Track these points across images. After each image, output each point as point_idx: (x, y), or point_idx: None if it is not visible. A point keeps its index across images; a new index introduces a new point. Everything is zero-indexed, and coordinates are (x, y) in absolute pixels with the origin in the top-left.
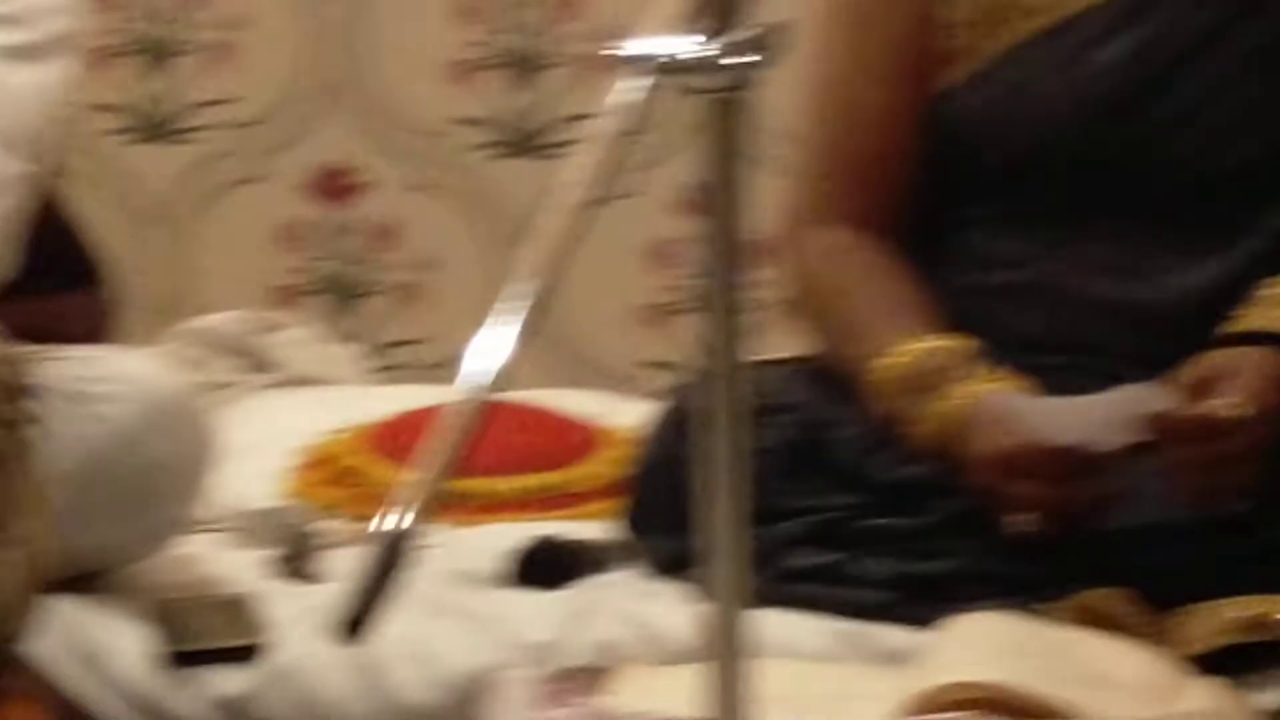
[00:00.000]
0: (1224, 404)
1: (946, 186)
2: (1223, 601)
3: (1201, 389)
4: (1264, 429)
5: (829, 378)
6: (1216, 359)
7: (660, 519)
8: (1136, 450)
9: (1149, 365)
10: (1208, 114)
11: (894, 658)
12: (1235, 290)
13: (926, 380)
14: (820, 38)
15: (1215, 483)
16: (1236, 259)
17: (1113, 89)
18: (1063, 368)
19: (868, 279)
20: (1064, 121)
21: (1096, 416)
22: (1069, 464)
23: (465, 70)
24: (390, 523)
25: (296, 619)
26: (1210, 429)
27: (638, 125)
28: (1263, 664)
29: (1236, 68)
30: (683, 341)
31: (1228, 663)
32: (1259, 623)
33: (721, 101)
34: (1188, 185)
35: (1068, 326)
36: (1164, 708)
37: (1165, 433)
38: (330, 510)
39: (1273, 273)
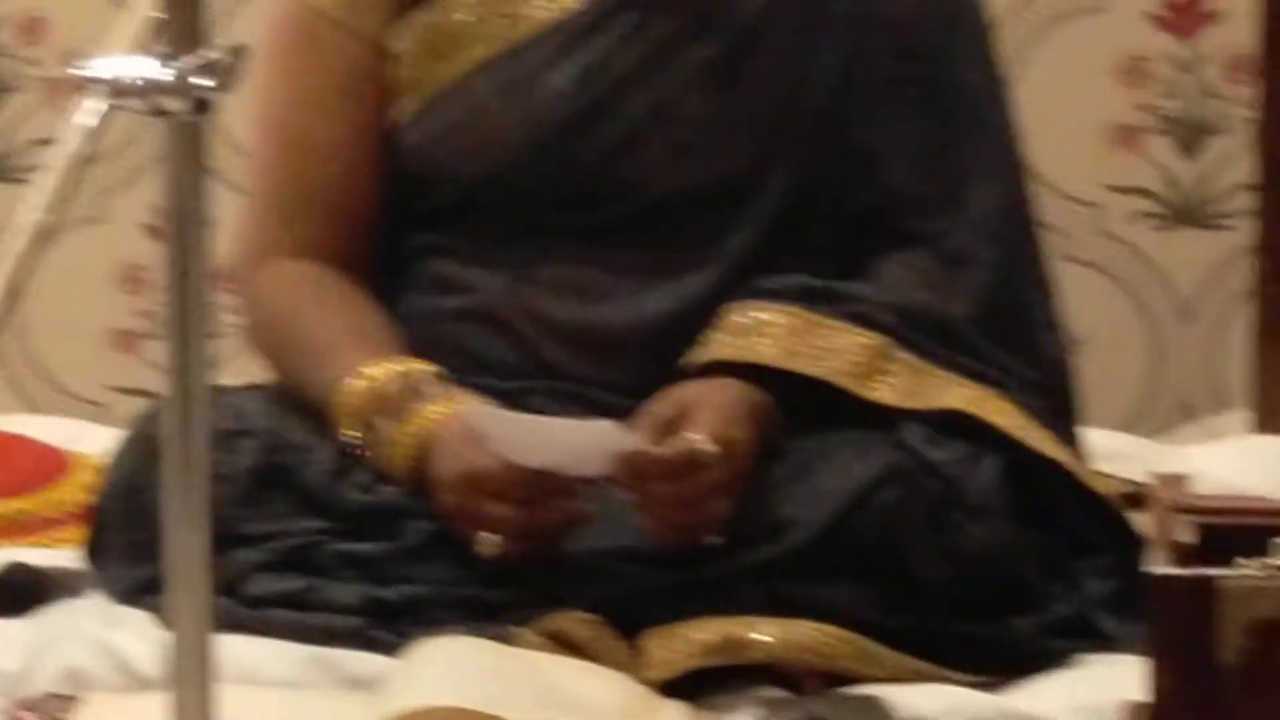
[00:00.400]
0: (693, 440)
1: (406, 215)
2: (690, 624)
3: (671, 424)
4: (735, 462)
5: (295, 403)
6: (684, 392)
7: (123, 546)
8: (608, 481)
9: (617, 389)
10: (657, 135)
11: (363, 683)
12: (701, 314)
13: (392, 403)
14: (267, 68)
15: (689, 518)
16: (700, 282)
17: (562, 114)
18: (530, 392)
19: (325, 307)
20: (515, 149)
21: (568, 444)
22: (538, 487)
23: None
24: None
25: None
26: (681, 466)
27: (98, 148)
28: (732, 686)
29: (684, 87)
30: (153, 367)
31: (698, 686)
32: (727, 645)
33: (183, 125)
34: (645, 207)
35: (532, 351)
36: None
37: (637, 471)
38: None
39: (737, 296)
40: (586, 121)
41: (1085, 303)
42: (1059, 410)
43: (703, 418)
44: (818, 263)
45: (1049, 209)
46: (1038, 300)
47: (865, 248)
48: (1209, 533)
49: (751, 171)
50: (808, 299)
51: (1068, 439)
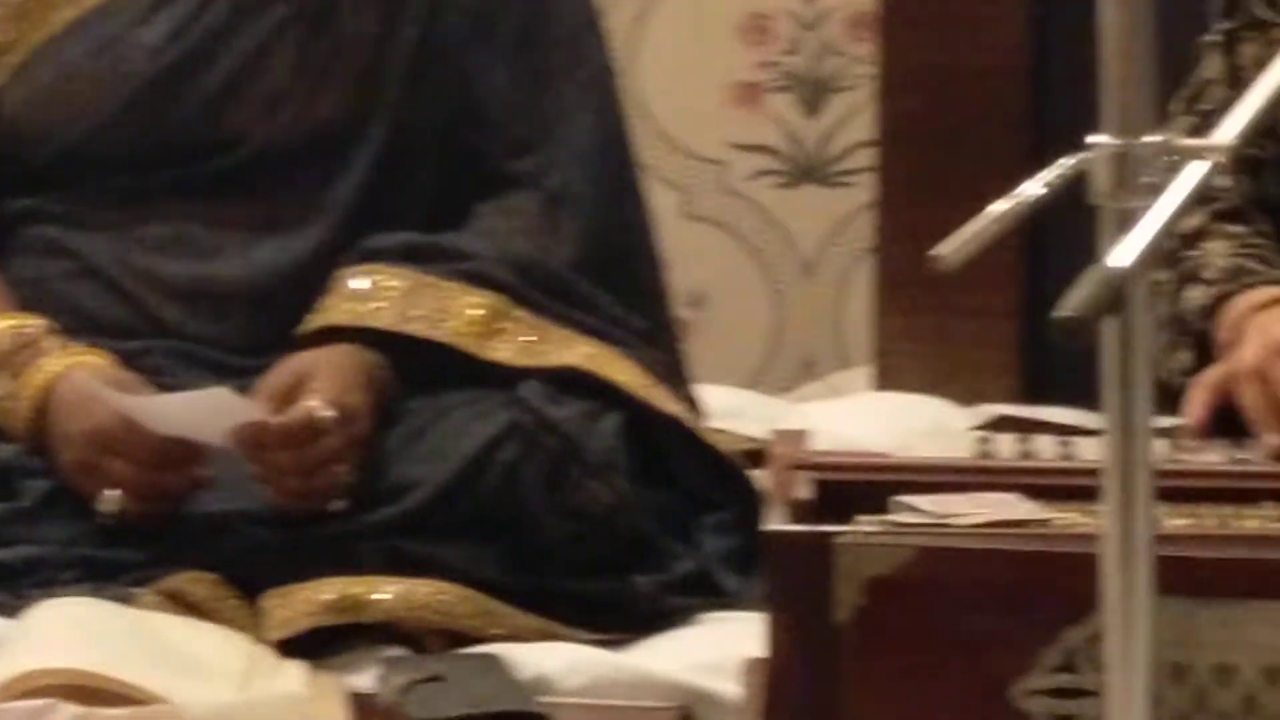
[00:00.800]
0: (311, 407)
1: (7, 180)
2: (310, 584)
3: (289, 392)
4: (353, 427)
5: None
6: (300, 361)
7: None
8: (230, 448)
9: (232, 347)
10: (251, 86)
11: None
12: (313, 267)
13: (8, 359)
14: None
15: (311, 485)
16: (309, 235)
17: (155, 70)
18: (147, 352)
19: None
20: (109, 108)
21: (188, 413)
22: (161, 448)
23: None
24: None
25: None
26: (299, 434)
27: None
28: (354, 646)
29: (275, 38)
30: None
31: (319, 645)
32: (346, 604)
33: None
34: (247, 160)
35: (145, 310)
36: (254, 691)
37: (257, 441)
38: None
39: (348, 249)
40: (179, 77)
41: (709, 260)
42: (672, 362)
43: (319, 385)
44: (428, 211)
45: (672, 167)
46: (638, 234)
47: (471, 192)
48: (827, 489)
49: (349, 119)
50: (420, 258)
51: (684, 393)
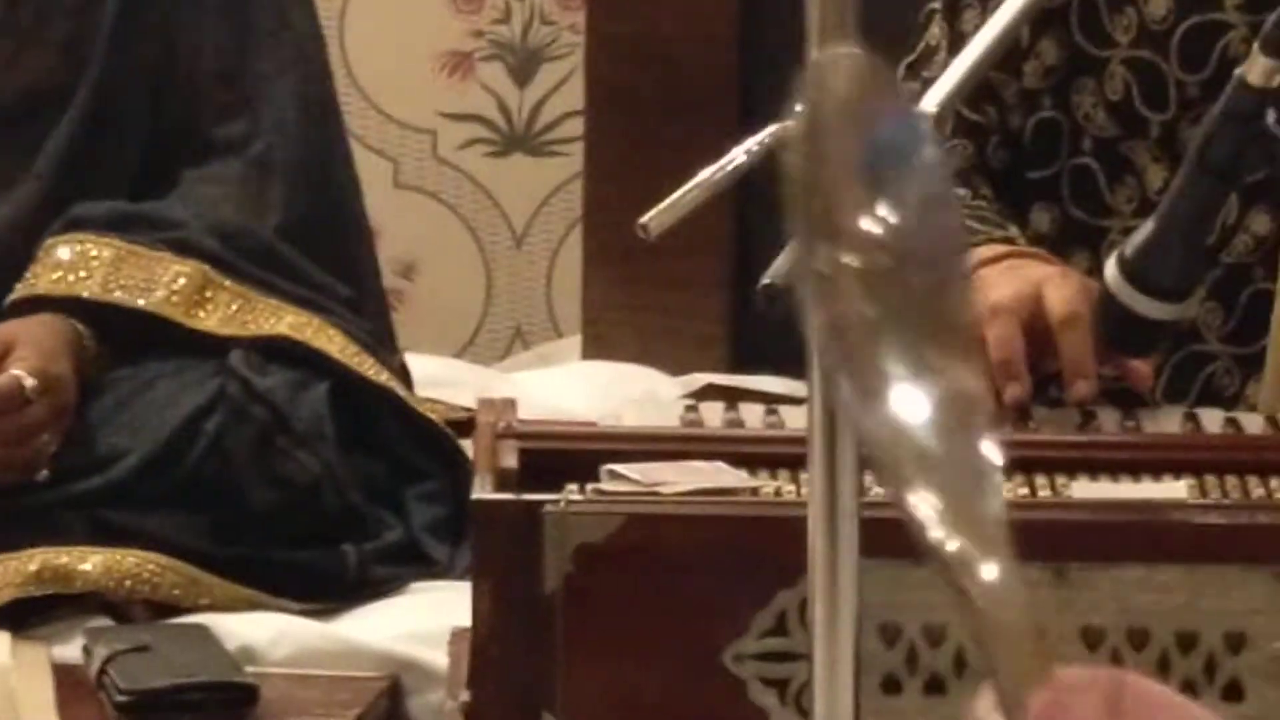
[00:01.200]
0: (15, 376)
1: None
2: (13, 555)
3: None
4: (57, 396)
5: None
6: (3, 331)
7: None
8: None
9: None
10: None
11: None
12: (18, 237)
13: None
14: None
15: (14, 455)
16: (14, 203)
17: None
18: None
19: None
20: None
21: None
22: None
23: None
24: None
25: None
26: (4, 404)
27: None
28: (60, 616)
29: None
30: None
31: (25, 615)
32: (49, 575)
33: None
34: None
35: None
36: None
37: None
38: None
39: (54, 217)
40: None
41: (420, 231)
42: (380, 331)
43: (22, 354)
44: (135, 177)
45: (382, 136)
46: (345, 202)
47: (179, 157)
48: (534, 458)
49: (55, 84)
50: (127, 227)
51: (392, 362)
